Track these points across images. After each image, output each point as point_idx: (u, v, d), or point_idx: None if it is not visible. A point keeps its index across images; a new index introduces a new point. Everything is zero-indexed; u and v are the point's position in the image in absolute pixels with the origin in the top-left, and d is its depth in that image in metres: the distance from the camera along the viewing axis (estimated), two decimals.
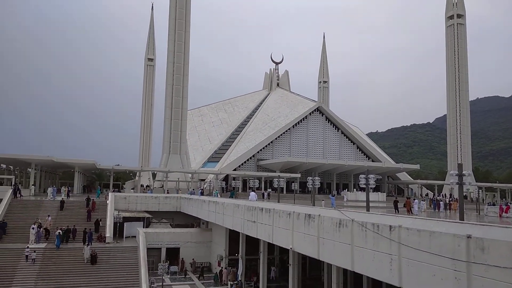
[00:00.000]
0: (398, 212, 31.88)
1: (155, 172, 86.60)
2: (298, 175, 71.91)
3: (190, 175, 69.44)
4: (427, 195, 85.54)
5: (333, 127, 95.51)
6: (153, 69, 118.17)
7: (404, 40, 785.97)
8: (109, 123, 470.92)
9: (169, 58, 78.00)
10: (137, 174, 72.48)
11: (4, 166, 58.25)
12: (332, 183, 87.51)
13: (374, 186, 30.27)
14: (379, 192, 76.53)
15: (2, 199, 41.28)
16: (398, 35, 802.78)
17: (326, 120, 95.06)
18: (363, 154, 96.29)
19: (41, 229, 36.99)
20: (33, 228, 36.03)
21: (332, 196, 48.86)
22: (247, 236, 31.17)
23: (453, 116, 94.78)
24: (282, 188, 65.52)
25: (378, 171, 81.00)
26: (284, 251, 35.81)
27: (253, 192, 41.01)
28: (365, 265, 15.53)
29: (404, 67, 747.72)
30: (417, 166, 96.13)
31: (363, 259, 15.57)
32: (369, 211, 26.04)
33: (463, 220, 19.12)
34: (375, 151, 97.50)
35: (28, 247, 33.34)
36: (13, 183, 47.15)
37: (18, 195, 44.38)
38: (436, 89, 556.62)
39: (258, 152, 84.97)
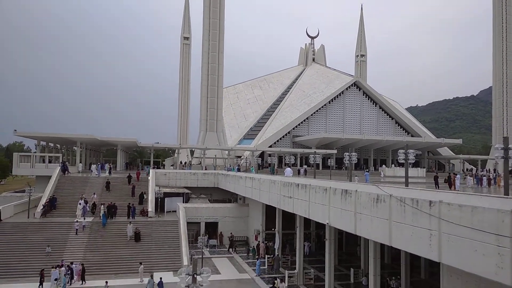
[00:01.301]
0: (438, 187, 31.12)
1: (193, 149, 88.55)
2: (334, 151, 71.24)
3: (226, 152, 70.46)
4: (470, 170, 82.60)
5: (370, 102, 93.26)
6: (189, 48, 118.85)
7: (448, 9, 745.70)
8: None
9: (204, 36, 78.18)
10: (176, 151, 74.30)
11: (52, 145, 61.13)
12: (370, 159, 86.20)
13: (413, 162, 29.54)
14: (419, 168, 74.69)
15: (51, 176, 43.72)
16: (440, 3, 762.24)
17: (363, 95, 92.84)
18: (402, 129, 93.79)
19: (88, 204, 39.03)
20: (80, 204, 38.09)
21: (367, 171, 48.15)
22: (283, 211, 31.55)
23: (499, 88, 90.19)
24: (318, 164, 65.23)
25: (417, 146, 78.91)
26: (320, 226, 36.07)
27: (289, 168, 41.30)
28: (404, 240, 15.45)
29: (447, 37, 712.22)
30: (459, 141, 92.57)
31: (402, 234, 15.49)
32: (407, 186, 25.59)
33: (508, 195, 18.45)
34: (415, 126, 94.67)
35: (77, 221, 35.39)
36: (60, 161, 49.41)
37: (66, 172, 46.70)
38: (481, 60, 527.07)
39: (293, 128, 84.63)
